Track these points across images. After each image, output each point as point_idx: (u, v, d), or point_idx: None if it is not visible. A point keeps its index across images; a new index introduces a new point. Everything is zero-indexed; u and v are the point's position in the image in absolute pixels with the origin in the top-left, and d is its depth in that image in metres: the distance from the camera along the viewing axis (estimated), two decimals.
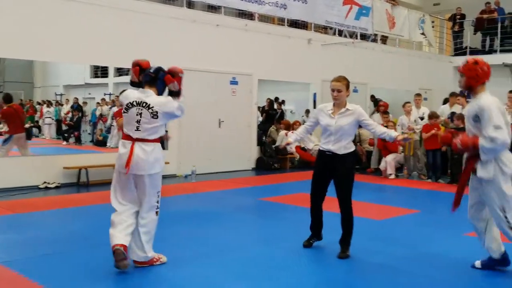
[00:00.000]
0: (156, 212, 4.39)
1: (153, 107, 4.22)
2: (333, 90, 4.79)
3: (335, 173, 4.79)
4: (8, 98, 9.57)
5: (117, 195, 4.36)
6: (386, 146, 10.59)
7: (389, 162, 10.54)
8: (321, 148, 4.92)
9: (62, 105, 17.52)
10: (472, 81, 4.11)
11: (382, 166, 10.74)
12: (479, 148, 3.97)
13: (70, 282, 4.05)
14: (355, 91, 13.67)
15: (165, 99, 4.35)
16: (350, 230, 4.81)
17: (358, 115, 4.79)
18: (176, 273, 4.34)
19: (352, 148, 4.83)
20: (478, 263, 4.45)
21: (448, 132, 4.28)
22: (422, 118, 10.61)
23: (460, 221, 6.62)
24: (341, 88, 4.76)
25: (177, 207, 7.32)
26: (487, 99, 4.05)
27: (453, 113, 10.35)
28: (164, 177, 9.90)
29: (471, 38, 17.41)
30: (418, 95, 11.49)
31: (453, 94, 11.09)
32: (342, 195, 4.80)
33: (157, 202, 4.38)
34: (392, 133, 4.84)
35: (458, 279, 4.26)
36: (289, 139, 5.25)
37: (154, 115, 4.22)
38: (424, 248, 5.22)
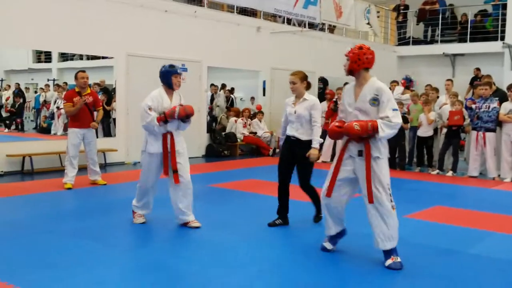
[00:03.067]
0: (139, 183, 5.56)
1: None
2: (290, 83, 5.34)
3: (297, 156, 5.29)
4: None
5: None
6: None
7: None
8: (287, 134, 5.43)
9: (6, 90, 16.82)
10: (354, 64, 4.22)
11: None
12: (378, 130, 4.05)
13: (18, 269, 4.00)
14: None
15: None
16: (317, 198, 5.39)
17: (311, 106, 5.26)
18: (128, 256, 4.42)
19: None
20: (328, 245, 4.59)
21: (335, 124, 4.29)
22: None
23: (400, 203, 6.95)
24: (295, 81, 5.29)
25: (126, 194, 7.26)
26: (382, 84, 4.22)
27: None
28: (112, 164, 9.88)
29: (414, 28, 18.00)
30: None
31: (393, 82, 11.55)
32: (303, 176, 5.38)
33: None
34: (314, 142, 5.23)
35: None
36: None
37: None
38: (365, 229, 5.44)
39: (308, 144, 5.22)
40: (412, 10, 18.16)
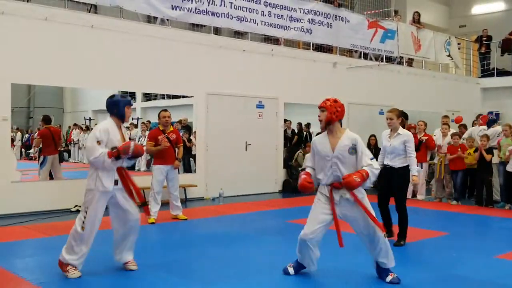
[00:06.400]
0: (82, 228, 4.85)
1: None
2: (387, 119, 6.18)
3: (392, 181, 6.15)
4: (47, 120, 9.95)
5: None
6: None
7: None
8: (384, 163, 6.24)
9: (91, 129, 17.89)
10: (333, 116, 4.62)
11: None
12: (369, 177, 4.44)
13: None
14: (381, 113, 13.67)
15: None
16: (404, 225, 6.13)
17: (405, 139, 6.08)
18: None
19: (405, 163, 6.09)
20: (291, 270, 4.91)
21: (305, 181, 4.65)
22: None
23: (490, 243, 6.57)
24: (392, 117, 6.11)
25: (205, 229, 7.41)
26: (357, 135, 4.63)
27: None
28: (192, 200, 10.10)
29: (498, 59, 17.28)
30: (446, 117, 11.44)
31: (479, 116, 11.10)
32: (397, 199, 6.13)
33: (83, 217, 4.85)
34: (413, 171, 6.12)
35: None
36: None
37: None
38: (453, 271, 5.17)
39: (401, 170, 6.08)
40: (495, 41, 17.48)
